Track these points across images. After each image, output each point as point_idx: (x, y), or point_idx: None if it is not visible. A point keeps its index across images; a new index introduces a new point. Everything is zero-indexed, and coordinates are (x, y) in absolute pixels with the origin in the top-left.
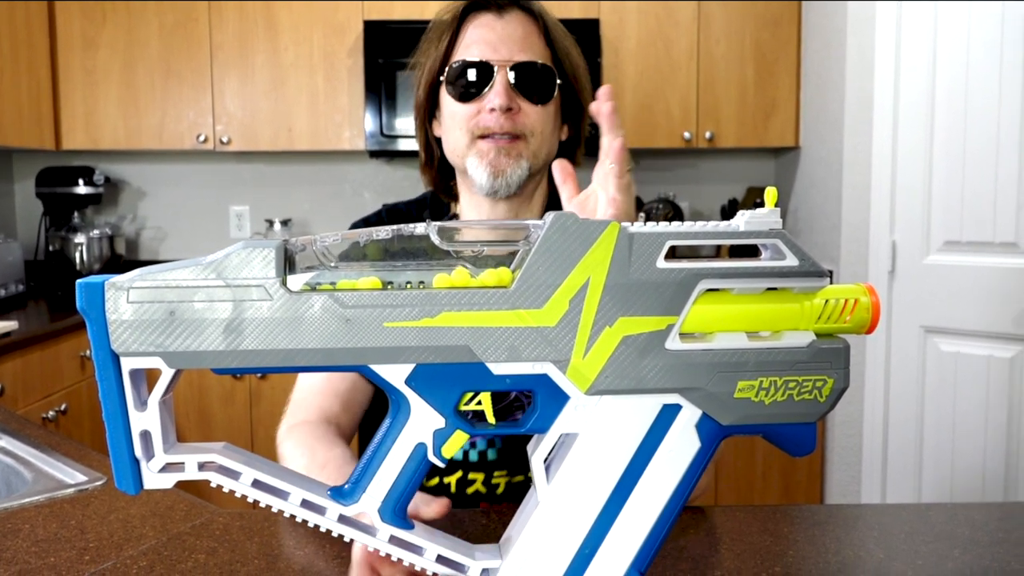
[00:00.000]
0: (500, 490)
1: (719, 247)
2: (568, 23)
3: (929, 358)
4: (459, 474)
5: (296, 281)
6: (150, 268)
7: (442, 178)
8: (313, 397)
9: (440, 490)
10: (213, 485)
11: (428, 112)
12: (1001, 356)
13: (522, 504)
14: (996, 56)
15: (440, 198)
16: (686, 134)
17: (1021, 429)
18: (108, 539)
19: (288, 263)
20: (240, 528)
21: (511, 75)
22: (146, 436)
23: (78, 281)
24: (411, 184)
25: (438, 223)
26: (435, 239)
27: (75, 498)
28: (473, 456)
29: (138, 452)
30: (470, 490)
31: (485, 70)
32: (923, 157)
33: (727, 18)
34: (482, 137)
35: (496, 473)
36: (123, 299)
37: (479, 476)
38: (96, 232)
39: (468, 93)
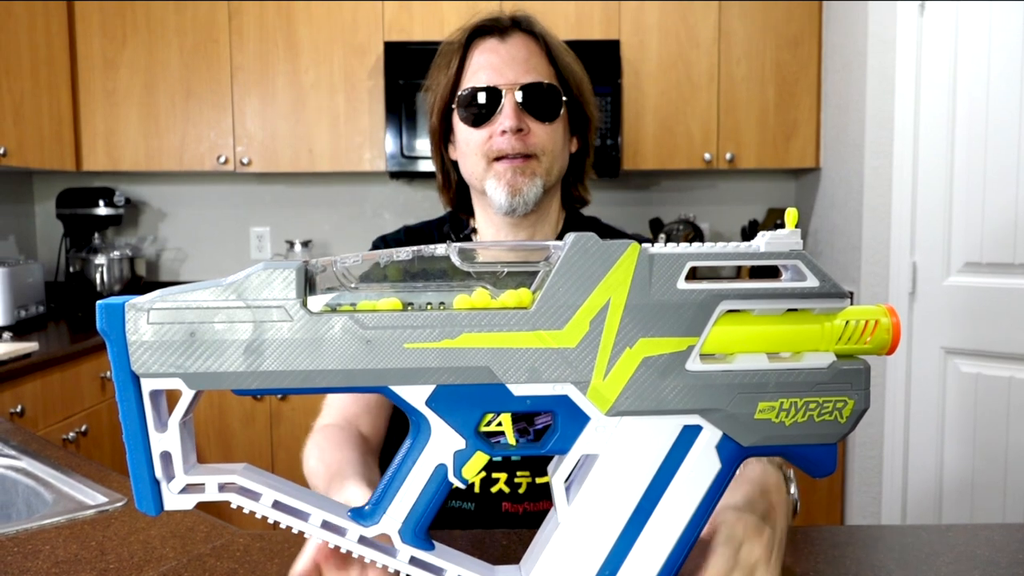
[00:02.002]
0: (522, 490)
1: (739, 268)
2: (589, 45)
3: (949, 379)
4: (482, 473)
5: (316, 302)
6: (170, 289)
7: (460, 199)
8: (339, 401)
9: (464, 490)
10: (233, 506)
11: (443, 137)
12: (1021, 377)
13: (542, 525)
14: (1017, 76)
15: (459, 216)
16: (707, 155)
17: None
18: (128, 560)
19: (308, 284)
20: (260, 549)
21: (519, 97)
22: (166, 457)
23: (99, 302)
24: (431, 205)
25: (459, 244)
26: (456, 260)
27: (95, 519)
28: (496, 456)
29: (158, 473)
30: (493, 489)
31: (493, 94)
32: (943, 178)
33: (747, 39)
34: (497, 160)
35: (519, 473)
36: (143, 320)
37: (502, 476)
38: (116, 253)
39: (479, 117)
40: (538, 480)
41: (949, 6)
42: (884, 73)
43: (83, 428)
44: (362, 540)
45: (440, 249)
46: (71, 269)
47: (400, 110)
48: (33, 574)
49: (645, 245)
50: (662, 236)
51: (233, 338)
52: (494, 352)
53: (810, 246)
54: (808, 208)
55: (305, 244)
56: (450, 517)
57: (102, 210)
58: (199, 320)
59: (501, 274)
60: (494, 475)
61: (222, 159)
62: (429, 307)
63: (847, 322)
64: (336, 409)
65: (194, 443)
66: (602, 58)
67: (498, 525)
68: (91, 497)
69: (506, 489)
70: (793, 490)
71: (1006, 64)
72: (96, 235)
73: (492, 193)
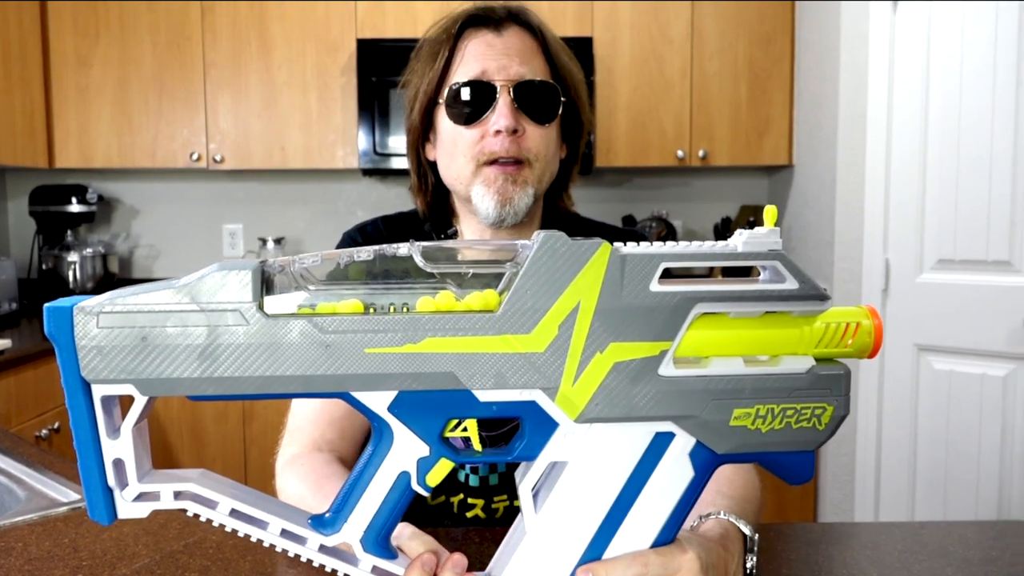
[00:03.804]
0: (499, 515)
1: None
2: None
3: (922, 376)
4: (460, 496)
5: (274, 304)
6: (121, 291)
7: (435, 201)
8: (308, 426)
9: (443, 509)
10: (190, 514)
11: (422, 134)
12: (994, 374)
13: (508, 533)
14: (989, 74)
15: (442, 213)
16: (679, 152)
17: (1014, 447)
18: (101, 557)
19: (266, 285)
20: (233, 547)
21: (514, 95)
22: (119, 465)
23: (45, 305)
24: (404, 203)
25: (421, 243)
26: (419, 261)
27: (68, 516)
28: (474, 481)
29: (111, 481)
30: (469, 514)
31: (487, 91)
32: (916, 175)
33: (720, 36)
34: (487, 164)
35: (496, 498)
36: (93, 324)
37: (479, 502)
38: (89, 250)
39: (470, 115)
40: (515, 504)
41: (922, 4)
42: (857, 70)
43: (56, 425)
44: (323, 549)
45: (403, 249)
46: (44, 266)
47: (373, 107)
48: (6, 571)
49: (617, 245)
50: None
51: (187, 343)
52: (459, 357)
53: (783, 243)
54: (781, 205)
55: (278, 241)
56: None
57: (75, 207)
58: (151, 324)
59: (466, 275)
60: (471, 500)
61: (195, 156)
62: (393, 308)
63: (827, 325)
64: (309, 435)
65: (148, 449)
66: (575, 55)
67: None
68: (64, 494)
69: (482, 515)
70: (750, 563)
71: (979, 60)
72: (69, 232)
73: (479, 201)
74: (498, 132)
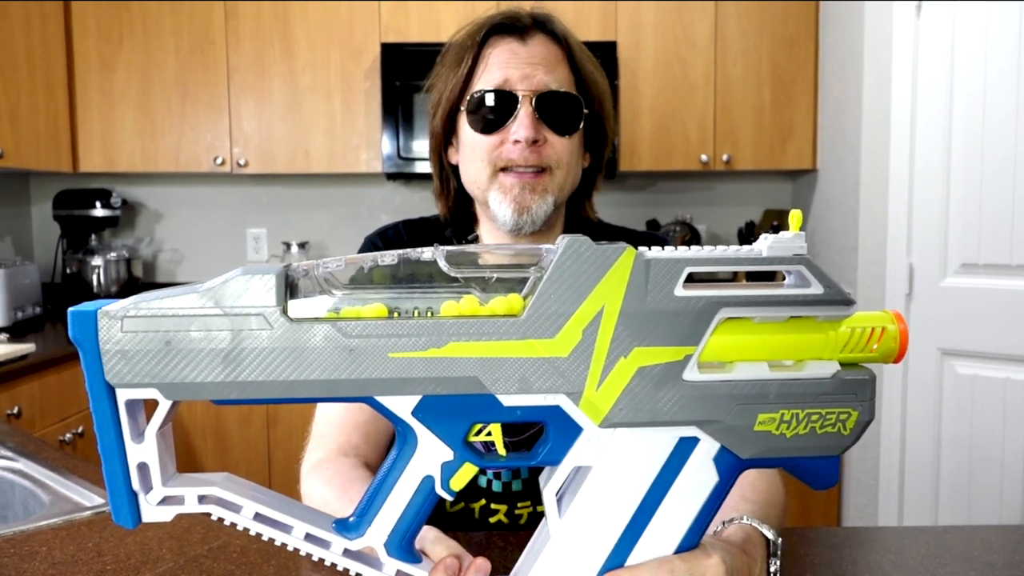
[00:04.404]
0: (523, 520)
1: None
2: (585, 45)
3: (946, 381)
4: (482, 502)
5: (298, 308)
6: (145, 295)
7: (458, 207)
8: (333, 431)
9: (463, 515)
10: (214, 518)
11: (444, 139)
12: (1018, 379)
13: (532, 538)
14: (1014, 75)
15: (464, 219)
16: (703, 156)
17: None
18: (125, 562)
19: (290, 290)
20: (257, 551)
21: (536, 105)
22: (143, 468)
23: (70, 309)
24: (428, 207)
25: (445, 248)
26: (443, 265)
27: (92, 521)
28: (497, 486)
29: (136, 485)
30: (492, 519)
31: (509, 100)
32: (940, 180)
33: (744, 40)
34: (504, 170)
35: (520, 504)
36: (117, 328)
37: (502, 507)
38: (113, 255)
39: (490, 123)
40: (539, 509)
41: (946, 6)
42: (881, 73)
43: (80, 430)
44: (347, 553)
45: (427, 253)
46: (68, 270)
47: (397, 111)
48: None
49: (642, 249)
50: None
51: (210, 347)
52: (483, 361)
53: (807, 248)
54: (805, 210)
55: (302, 246)
56: None
57: (99, 211)
58: (175, 328)
59: (490, 279)
60: (494, 506)
61: (219, 160)
62: (417, 313)
63: (852, 330)
64: (335, 441)
65: (173, 453)
66: (599, 59)
67: None
68: (88, 499)
69: (505, 520)
70: (774, 567)
71: (1003, 64)
72: (93, 236)
73: (496, 207)
74: (517, 142)
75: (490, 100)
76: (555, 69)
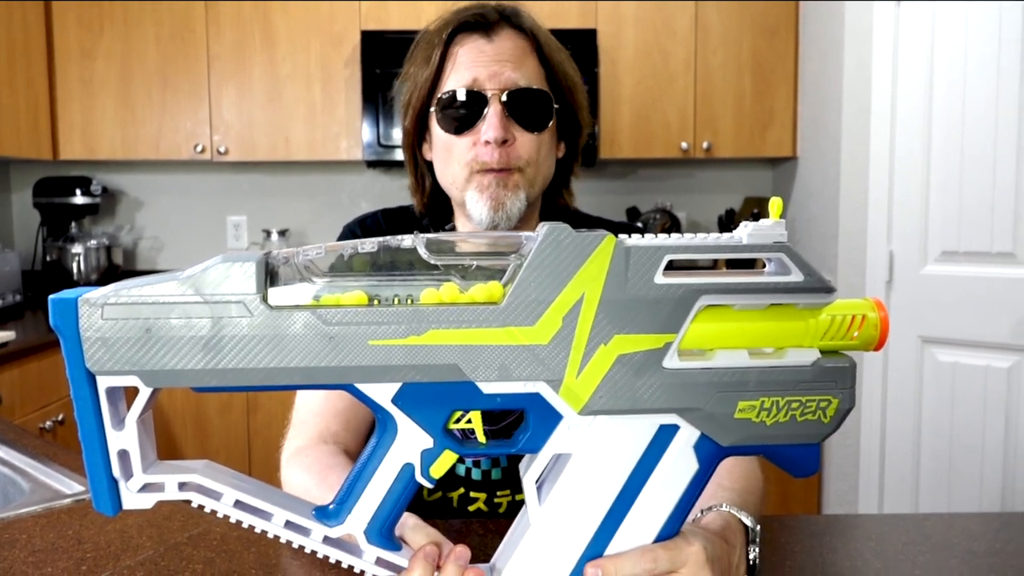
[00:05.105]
0: (502, 509)
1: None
2: (565, 33)
3: (926, 368)
4: (461, 490)
5: (278, 296)
6: (125, 283)
7: (433, 201)
8: (313, 418)
9: (442, 504)
10: (194, 505)
11: (417, 137)
12: (998, 366)
13: (512, 525)
14: (993, 67)
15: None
16: (683, 144)
17: (1018, 439)
18: (105, 549)
19: (270, 277)
20: (237, 538)
21: (505, 103)
22: (124, 456)
23: (51, 296)
24: (408, 195)
25: (425, 235)
26: (423, 253)
27: (72, 508)
28: (476, 475)
29: (116, 472)
30: (472, 507)
31: (477, 99)
32: (920, 167)
33: (724, 28)
34: (480, 171)
35: (499, 492)
36: (97, 316)
37: (481, 496)
38: (93, 242)
39: (461, 124)
40: (518, 497)
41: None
42: (861, 62)
43: (60, 417)
44: (327, 540)
45: (407, 241)
46: (48, 258)
47: (377, 99)
48: (10, 563)
49: (622, 237)
50: (639, 224)
51: (191, 334)
52: (463, 349)
53: (787, 235)
54: (785, 197)
55: (282, 233)
56: None
57: (79, 199)
58: (155, 316)
59: (470, 267)
60: (473, 494)
61: (199, 148)
62: (397, 300)
63: (833, 317)
64: (315, 428)
65: (153, 440)
66: (579, 47)
67: None
68: (68, 486)
69: (485, 508)
70: (753, 554)
71: (982, 53)
72: (73, 224)
73: (472, 206)
74: (488, 142)
75: (459, 99)
76: (523, 64)
